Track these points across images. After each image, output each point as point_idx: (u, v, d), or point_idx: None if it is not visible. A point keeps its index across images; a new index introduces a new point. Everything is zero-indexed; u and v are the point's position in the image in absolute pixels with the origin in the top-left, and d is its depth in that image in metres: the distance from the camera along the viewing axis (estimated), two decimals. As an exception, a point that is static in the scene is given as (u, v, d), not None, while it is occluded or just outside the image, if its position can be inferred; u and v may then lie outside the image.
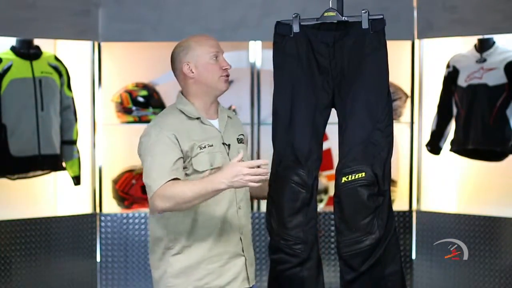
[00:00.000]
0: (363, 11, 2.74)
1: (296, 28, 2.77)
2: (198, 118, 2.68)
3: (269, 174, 2.64)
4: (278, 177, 2.78)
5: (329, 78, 2.77)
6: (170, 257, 2.66)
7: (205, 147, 2.64)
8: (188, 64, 2.68)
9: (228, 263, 2.69)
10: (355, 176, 2.71)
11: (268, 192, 2.85)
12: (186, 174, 2.63)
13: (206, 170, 2.63)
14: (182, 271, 2.65)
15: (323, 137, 2.84)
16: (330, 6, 2.78)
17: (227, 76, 2.71)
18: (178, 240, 2.65)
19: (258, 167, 2.46)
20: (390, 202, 2.78)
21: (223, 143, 2.70)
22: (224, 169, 2.49)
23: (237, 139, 2.79)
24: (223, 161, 2.67)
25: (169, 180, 2.53)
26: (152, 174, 2.56)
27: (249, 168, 2.44)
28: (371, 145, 2.73)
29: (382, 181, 2.74)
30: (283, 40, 2.79)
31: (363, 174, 2.71)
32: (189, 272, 2.65)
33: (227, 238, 2.69)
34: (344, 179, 2.72)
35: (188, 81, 2.70)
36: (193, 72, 2.68)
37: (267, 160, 2.54)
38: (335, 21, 2.76)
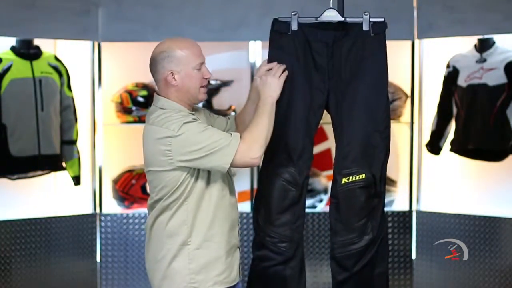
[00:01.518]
0: (365, 13, 2.73)
1: (294, 26, 2.76)
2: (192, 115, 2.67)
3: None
4: (268, 174, 2.79)
5: (326, 78, 2.77)
6: (190, 252, 2.63)
7: None
8: (172, 73, 2.64)
9: (234, 255, 2.72)
10: (355, 177, 2.72)
11: (257, 188, 2.87)
12: (201, 173, 2.63)
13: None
14: (204, 266, 2.63)
15: (314, 136, 2.84)
16: (331, 6, 2.78)
17: (207, 86, 2.70)
18: (197, 234, 2.63)
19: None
20: (384, 204, 2.80)
21: None
22: (260, 93, 2.66)
23: None
24: None
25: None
26: (221, 139, 2.55)
27: (267, 70, 2.69)
28: (371, 147, 2.74)
29: (379, 183, 2.75)
30: (280, 37, 2.78)
31: (363, 175, 2.72)
32: (209, 267, 2.64)
33: (234, 232, 2.72)
34: (344, 180, 2.72)
35: (170, 88, 2.66)
36: (176, 80, 2.64)
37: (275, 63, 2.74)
38: (335, 21, 2.76)
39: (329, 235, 2.85)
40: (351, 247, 2.74)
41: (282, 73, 2.70)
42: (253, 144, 2.56)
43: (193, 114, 2.67)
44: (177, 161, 2.56)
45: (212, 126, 2.73)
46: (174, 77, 2.64)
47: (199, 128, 2.56)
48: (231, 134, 2.59)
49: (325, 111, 2.83)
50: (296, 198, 2.77)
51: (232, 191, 2.73)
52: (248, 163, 2.57)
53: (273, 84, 2.66)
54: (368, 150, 2.73)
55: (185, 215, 2.63)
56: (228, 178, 2.73)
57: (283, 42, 2.77)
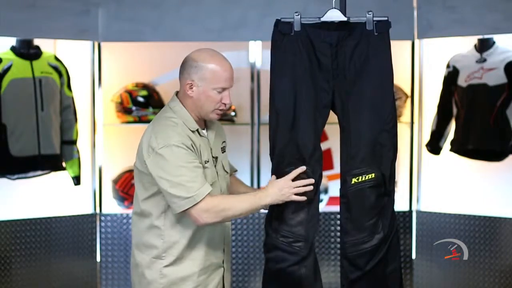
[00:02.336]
0: (368, 13, 2.73)
1: (297, 27, 2.76)
2: (196, 130, 2.66)
3: (312, 183, 2.68)
4: (280, 175, 2.78)
5: (330, 78, 2.77)
6: (162, 268, 2.64)
7: (207, 161, 2.64)
8: (191, 84, 2.62)
9: (212, 274, 2.70)
10: (365, 177, 2.73)
11: None
12: None
13: None
14: (174, 282, 2.64)
15: (321, 136, 2.84)
16: (333, 6, 2.78)
17: (222, 110, 2.66)
18: (172, 251, 2.63)
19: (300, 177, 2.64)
20: (394, 202, 2.81)
21: (212, 156, 2.70)
22: (268, 186, 2.60)
23: (221, 148, 2.77)
24: (212, 176, 2.66)
25: (209, 193, 2.53)
26: (187, 185, 2.50)
27: (293, 181, 2.59)
28: (379, 146, 2.75)
29: (389, 181, 2.77)
30: (283, 38, 2.77)
31: (373, 175, 2.73)
32: (179, 283, 2.64)
33: (214, 251, 2.69)
34: (354, 180, 2.73)
35: (186, 96, 2.66)
36: (192, 92, 2.62)
37: (304, 167, 2.65)
38: (338, 21, 2.76)
39: (338, 235, 2.85)
40: (362, 246, 2.75)
41: (301, 193, 2.63)
42: (212, 213, 2.52)
43: (195, 131, 2.64)
44: (147, 171, 2.57)
45: (221, 143, 2.74)
46: (192, 89, 2.62)
47: (179, 161, 2.51)
48: (205, 184, 2.54)
49: (331, 111, 2.83)
50: (311, 197, 2.77)
51: None
52: (192, 219, 2.55)
53: (281, 194, 2.61)
54: (376, 149, 2.74)
55: (163, 230, 2.63)
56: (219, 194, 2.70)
57: (286, 43, 2.76)
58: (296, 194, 2.65)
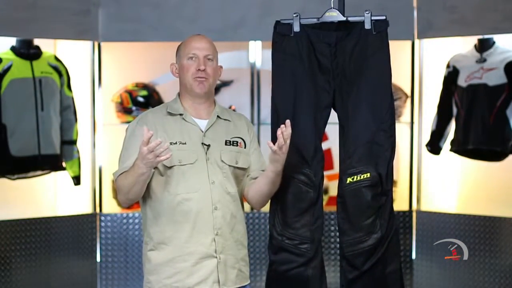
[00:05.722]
0: (366, 12, 2.74)
1: (296, 28, 2.77)
2: (180, 115, 2.70)
3: (167, 151, 2.48)
4: (282, 177, 2.77)
5: (330, 78, 2.77)
6: (147, 252, 2.70)
7: (175, 143, 2.64)
8: (175, 65, 2.76)
9: (199, 263, 2.65)
10: (360, 176, 2.72)
11: None
12: (159, 172, 2.66)
13: (173, 166, 2.63)
14: (155, 268, 2.66)
15: (323, 137, 2.84)
16: (332, 6, 2.78)
17: (201, 78, 2.68)
18: (151, 236, 2.68)
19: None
20: (392, 202, 2.80)
21: (202, 143, 2.69)
22: (137, 159, 2.57)
23: (227, 141, 2.74)
24: (195, 159, 2.66)
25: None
26: (118, 167, 2.71)
27: (147, 148, 2.48)
28: (376, 146, 2.74)
29: (386, 181, 2.76)
30: (283, 39, 2.78)
31: (368, 174, 2.72)
32: (160, 270, 2.65)
33: (199, 238, 2.65)
34: (349, 179, 2.73)
35: (179, 83, 2.76)
36: (177, 73, 2.75)
37: (160, 140, 2.48)
38: (336, 21, 2.76)
39: (338, 235, 2.85)
40: (359, 246, 2.74)
41: (163, 154, 2.48)
42: (119, 193, 2.67)
43: (177, 115, 2.69)
44: None
45: (229, 137, 2.73)
46: (176, 71, 2.75)
47: (130, 137, 2.71)
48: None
49: (332, 111, 2.83)
50: (314, 199, 2.77)
51: (190, 198, 2.65)
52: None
53: (147, 163, 2.50)
54: (373, 149, 2.74)
55: (144, 215, 2.71)
56: (208, 184, 2.66)
57: (286, 44, 2.77)
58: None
